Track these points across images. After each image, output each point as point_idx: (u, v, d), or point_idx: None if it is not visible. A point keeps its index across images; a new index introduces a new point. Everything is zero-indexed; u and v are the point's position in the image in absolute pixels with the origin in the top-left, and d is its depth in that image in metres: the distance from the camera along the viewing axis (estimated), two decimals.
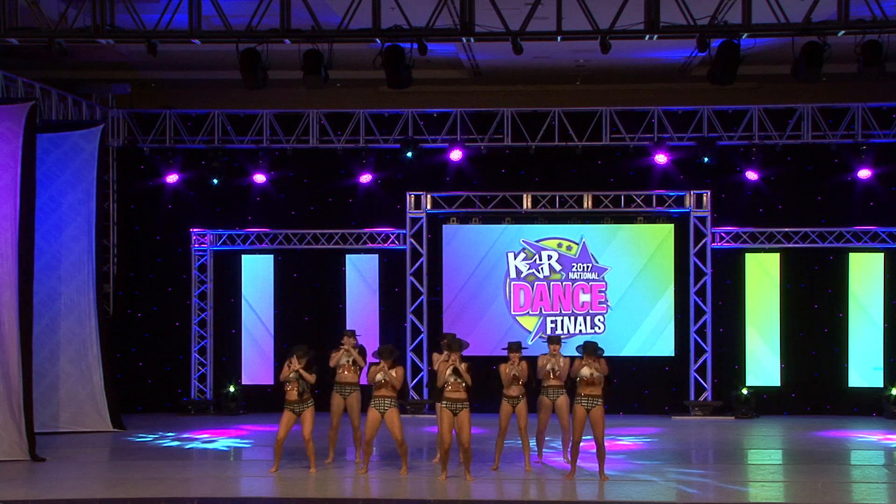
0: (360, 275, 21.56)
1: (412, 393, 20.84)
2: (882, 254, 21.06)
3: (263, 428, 19.15)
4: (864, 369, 21.10)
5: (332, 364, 15.74)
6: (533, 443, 15.59)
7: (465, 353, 14.80)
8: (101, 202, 19.49)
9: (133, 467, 15.45)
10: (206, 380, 21.44)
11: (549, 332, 20.87)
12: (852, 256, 21.16)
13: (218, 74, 19.63)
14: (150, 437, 18.19)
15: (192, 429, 19.16)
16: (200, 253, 21.49)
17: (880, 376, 20.95)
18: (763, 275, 21.26)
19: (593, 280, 21.21)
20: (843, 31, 14.26)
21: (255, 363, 21.53)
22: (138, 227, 21.87)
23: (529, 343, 20.88)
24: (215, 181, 21.30)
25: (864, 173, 20.73)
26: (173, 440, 17.94)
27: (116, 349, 20.89)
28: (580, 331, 21.04)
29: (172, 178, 21.48)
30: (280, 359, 21.25)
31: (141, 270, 21.85)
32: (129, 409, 20.42)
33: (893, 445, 17.74)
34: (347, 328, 16.64)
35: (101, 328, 19.05)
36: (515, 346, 15.04)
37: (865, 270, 21.14)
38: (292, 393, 14.87)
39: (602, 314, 21.12)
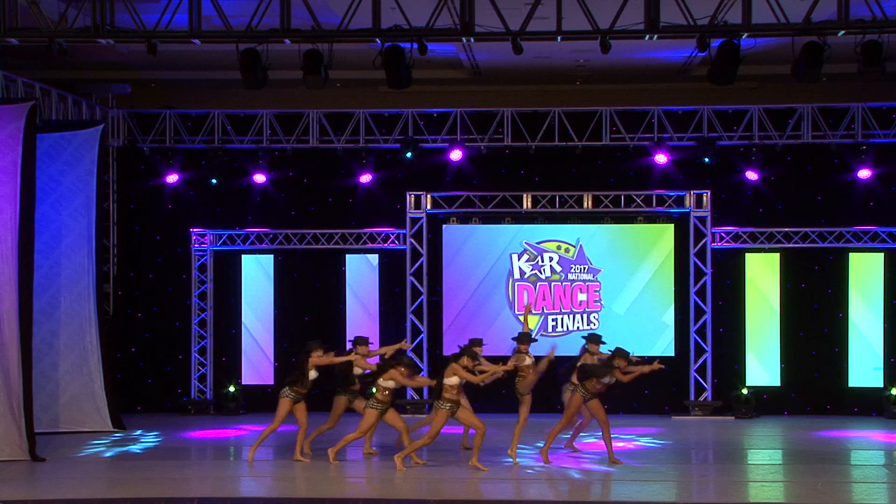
0: (361, 275, 21.54)
1: (411, 393, 20.81)
2: (882, 254, 21.05)
3: (263, 428, 19.10)
4: (864, 369, 21.08)
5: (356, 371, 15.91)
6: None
7: None
8: (101, 202, 19.46)
9: (133, 467, 15.45)
10: (206, 380, 21.42)
11: (549, 329, 20.95)
12: (852, 256, 21.14)
13: (218, 74, 19.62)
14: (149, 437, 18.24)
15: (192, 429, 19.17)
16: (200, 253, 21.48)
17: (880, 376, 20.93)
18: (763, 275, 21.24)
19: (590, 281, 21.23)
20: (843, 31, 14.27)
21: (255, 363, 21.51)
22: (138, 227, 21.85)
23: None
24: (215, 181, 21.30)
25: (864, 173, 20.71)
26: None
27: (116, 349, 20.87)
28: (578, 328, 21.06)
29: (172, 178, 21.46)
30: (280, 359, 21.28)
31: (141, 270, 21.83)
32: (129, 409, 20.41)
33: (893, 445, 17.75)
34: (359, 335, 16.51)
35: (101, 329, 19.03)
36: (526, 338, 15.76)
37: (865, 270, 21.13)
38: (302, 387, 15.17)
39: (596, 311, 21.16)
